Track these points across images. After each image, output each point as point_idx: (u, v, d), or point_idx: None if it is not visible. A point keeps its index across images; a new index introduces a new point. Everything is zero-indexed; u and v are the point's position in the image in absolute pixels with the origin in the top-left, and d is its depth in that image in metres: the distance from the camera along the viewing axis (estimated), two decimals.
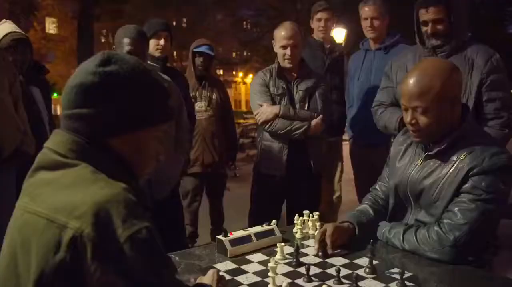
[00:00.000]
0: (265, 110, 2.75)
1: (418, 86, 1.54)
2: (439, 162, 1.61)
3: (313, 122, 2.73)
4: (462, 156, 1.55)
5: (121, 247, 0.82)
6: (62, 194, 0.87)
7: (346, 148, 3.56)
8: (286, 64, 2.79)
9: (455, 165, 1.56)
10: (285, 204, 2.93)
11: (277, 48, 2.82)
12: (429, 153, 1.63)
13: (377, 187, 1.90)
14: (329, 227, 1.63)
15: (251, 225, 2.81)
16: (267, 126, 2.76)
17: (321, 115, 2.76)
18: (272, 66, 2.86)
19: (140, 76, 0.98)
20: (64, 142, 0.94)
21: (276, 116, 2.73)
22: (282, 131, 2.73)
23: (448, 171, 1.57)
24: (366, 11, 3.12)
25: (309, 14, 3.64)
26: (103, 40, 22.13)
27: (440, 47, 2.26)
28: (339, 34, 11.79)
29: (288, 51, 2.74)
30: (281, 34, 2.77)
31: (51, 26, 23.03)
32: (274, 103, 2.78)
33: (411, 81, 1.56)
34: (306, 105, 2.79)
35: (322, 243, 1.59)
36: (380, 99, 2.58)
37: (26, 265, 0.86)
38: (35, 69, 3.01)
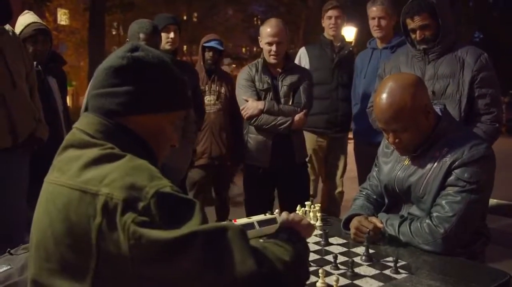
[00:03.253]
0: (250, 106, 2.85)
1: (391, 110, 1.59)
2: (423, 159, 1.68)
3: (296, 117, 2.84)
4: (443, 151, 1.63)
5: (148, 203, 0.89)
6: (91, 168, 0.95)
7: (350, 145, 3.62)
8: (271, 60, 2.89)
9: (438, 160, 1.64)
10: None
11: (262, 44, 2.91)
12: (414, 155, 1.70)
13: (367, 186, 1.96)
14: (360, 218, 1.68)
15: (247, 211, 2.95)
16: (253, 121, 2.86)
17: (304, 110, 2.87)
18: (258, 61, 2.96)
19: (164, 64, 1.08)
20: (92, 123, 1.02)
21: (261, 111, 2.83)
22: (267, 126, 2.84)
23: (432, 166, 1.65)
24: (373, 10, 3.18)
25: (320, 12, 3.72)
26: (114, 33, 22.23)
27: (430, 49, 2.34)
28: (349, 33, 11.83)
29: (273, 47, 2.84)
30: (267, 31, 2.86)
31: (62, 17, 23.17)
32: (259, 98, 2.88)
33: (383, 106, 1.61)
34: (291, 100, 2.89)
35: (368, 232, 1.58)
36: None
37: (65, 231, 0.93)
38: (53, 60, 3.08)
